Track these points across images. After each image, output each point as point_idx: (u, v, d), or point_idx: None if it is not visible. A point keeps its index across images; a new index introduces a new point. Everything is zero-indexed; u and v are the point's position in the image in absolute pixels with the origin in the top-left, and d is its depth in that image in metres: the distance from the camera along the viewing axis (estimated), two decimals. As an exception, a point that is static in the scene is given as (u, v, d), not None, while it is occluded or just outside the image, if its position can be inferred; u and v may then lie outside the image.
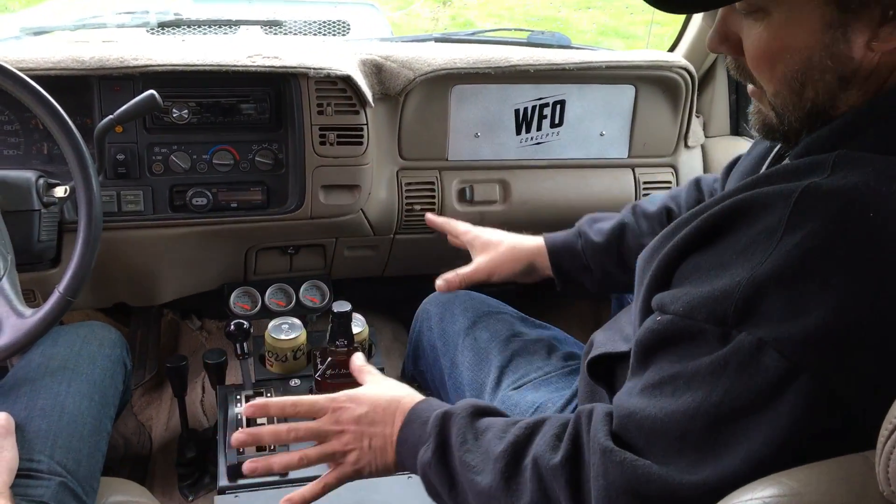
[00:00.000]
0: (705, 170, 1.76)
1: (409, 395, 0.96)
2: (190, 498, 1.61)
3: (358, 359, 1.07)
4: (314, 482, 0.96)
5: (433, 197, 1.63)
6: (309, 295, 1.70)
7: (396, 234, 1.66)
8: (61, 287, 1.14)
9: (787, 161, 0.79)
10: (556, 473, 0.77)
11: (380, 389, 0.98)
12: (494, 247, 1.30)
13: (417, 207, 1.63)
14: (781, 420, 0.64)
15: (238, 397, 1.34)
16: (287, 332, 1.48)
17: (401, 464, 0.93)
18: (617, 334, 1.08)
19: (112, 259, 1.47)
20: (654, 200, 1.27)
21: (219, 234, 1.51)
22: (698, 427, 0.68)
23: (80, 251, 1.15)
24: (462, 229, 1.37)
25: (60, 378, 1.20)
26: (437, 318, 1.39)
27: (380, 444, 0.93)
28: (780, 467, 0.61)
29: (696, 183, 1.25)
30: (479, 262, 1.30)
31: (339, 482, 0.96)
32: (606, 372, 1.05)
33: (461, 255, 1.55)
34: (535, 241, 1.29)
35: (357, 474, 0.95)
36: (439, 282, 1.30)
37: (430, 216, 1.42)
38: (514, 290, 2.03)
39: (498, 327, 1.34)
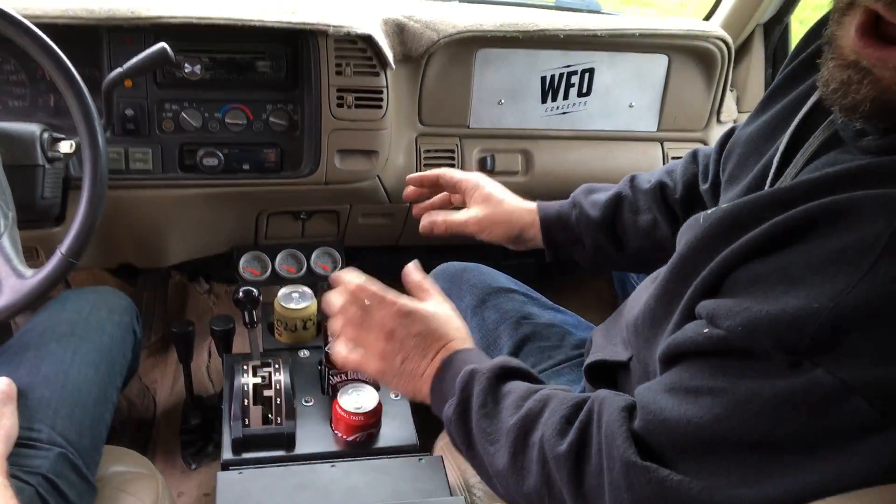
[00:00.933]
0: (737, 146, 1.69)
1: (457, 334, 0.92)
2: (193, 466, 1.57)
3: (414, 273, 1.01)
4: (348, 352, 0.95)
5: (452, 165, 1.56)
6: (321, 262, 1.65)
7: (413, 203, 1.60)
8: (63, 247, 1.09)
9: (869, 140, 0.68)
10: (560, 462, 0.74)
11: (437, 317, 0.93)
12: (494, 204, 1.21)
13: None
14: (856, 463, 0.59)
15: (245, 367, 1.29)
16: (297, 301, 1.43)
17: (433, 405, 0.90)
18: (617, 336, 1.01)
19: (118, 219, 1.42)
20: (654, 174, 1.20)
21: (229, 196, 1.46)
22: (754, 452, 0.63)
23: (84, 210, 1.10)
24: (458, 176, 1.25)
25: (67, 345, 1.16)
26: (446, 292, 1.32)
27: (414, 372, 0.90)
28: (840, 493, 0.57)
29: (694, 155, 1.15)
30: (472, 213, 1.21)
31: (362, 369, 0.94)
32: (607, 377, 0.99)
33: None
34: (531, 207, 1.21)
35: (380, 376, 0.93)
36: (424, 221, 1.23)
37: (412, 176, 1.29)
38: (531, 264, 1.98)
39: (508, 307, 1.28)
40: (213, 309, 1.91)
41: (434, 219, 1.22)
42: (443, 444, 1.28)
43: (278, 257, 1.62)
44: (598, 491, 0.72)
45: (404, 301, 0.93)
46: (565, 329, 1.24)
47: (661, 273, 0.80)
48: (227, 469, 1.21)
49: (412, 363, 0.90)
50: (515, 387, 0.83)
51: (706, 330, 0.67)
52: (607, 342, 1.02)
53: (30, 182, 1.23)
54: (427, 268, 1.46)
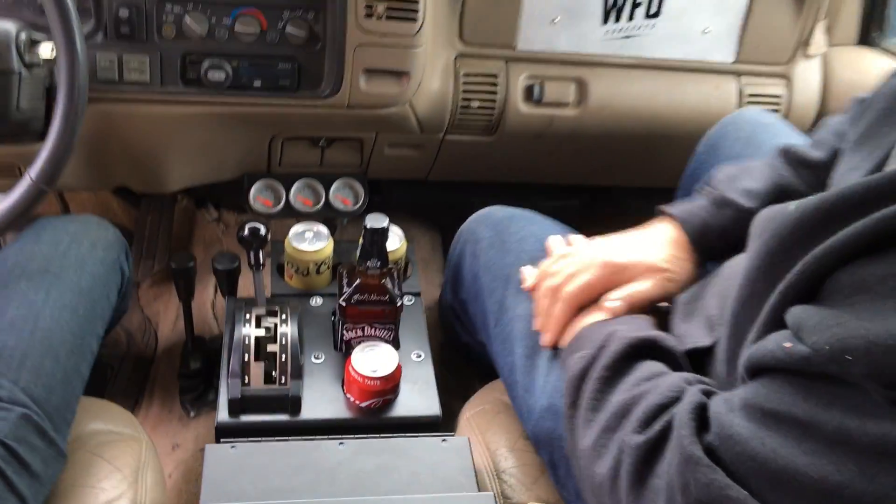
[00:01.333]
0: (825, 87, 1.46)
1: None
2: (192, 414, 1.43)
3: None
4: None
5: (494, 93, 1.36)
6: (340, 195, 1.46)
7: (447, 133, 1.41)
8: (33, 172, 0.92)
9: None
10: (628, 452, 0.68)
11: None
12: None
13: (475, 104, 1.36)
14: None
15: (247, 316, 1.13)
16: (311, 241, 1.26)
17: (565, 350, 0.90)
18: (700, 318, 0.86)
19: (111, 136, 1.24)
20: (818, 142, 0.96)
21: (238, 117, 1.27)
22: (832, 500, 0.53)
23: (58, 129, 0.92)
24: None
25: (39, 284, 0.99)
26: (487, 243, 1.14)
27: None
28: None
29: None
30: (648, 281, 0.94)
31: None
32: (694, 364, 0.84)
33: (516, 164, 1.30)
34: (666, 228, 0.98)
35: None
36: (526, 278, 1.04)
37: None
38: (574, 206, 1.79)
39: None
40: (222, 240, 1.74)
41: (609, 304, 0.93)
42: (469, 417, 1.12)
43: (294, 188, 1.44)
44: (657, 495, 0.65)
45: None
46: None
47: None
48: (221, 434, 1.06)
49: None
50: (647, 367, 0.77)
51: (788, 344, 0.56)
52: (686, 319, 0.85)
53: (3, 90, 1.04)
54: (460, 204, 1.28)
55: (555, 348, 0.97)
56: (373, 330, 1.16)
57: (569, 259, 0.97)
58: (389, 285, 1.13)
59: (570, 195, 1.77)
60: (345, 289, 1.14)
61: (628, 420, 0.72)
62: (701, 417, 0.64)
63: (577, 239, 1.03)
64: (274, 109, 1.27)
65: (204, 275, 1.60)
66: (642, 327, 0.85)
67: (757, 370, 0.61)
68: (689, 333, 0.84)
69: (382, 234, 1.09)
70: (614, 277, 0.93)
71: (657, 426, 0.68)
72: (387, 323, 1.16)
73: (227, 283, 1.30)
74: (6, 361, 0.90)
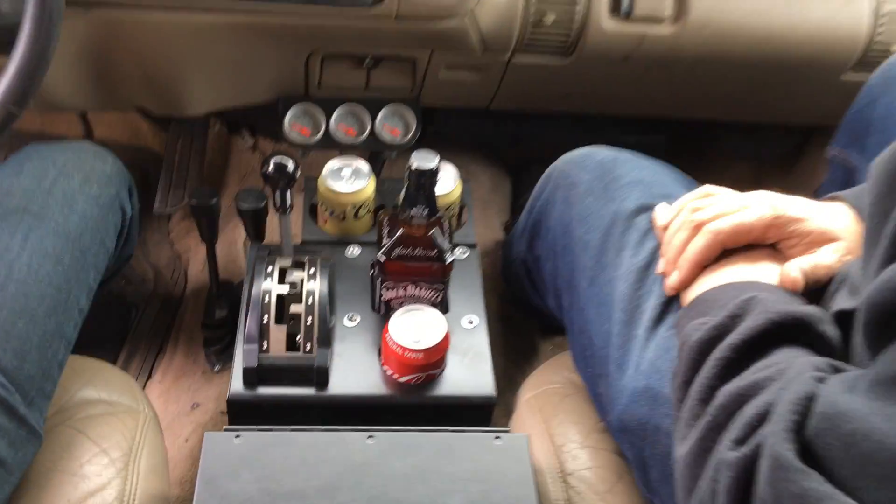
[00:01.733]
0: None
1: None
2: (216, 368, 1.28)
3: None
4: None
5: (574, 3, 1.12)
6: (388, 124, 1.26)
7: (515, 54, 1.18)
8: (-2, 91, 0.73)
9: None
10: (724, 470, 0.54)
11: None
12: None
13: (550, 18, 1.13)
14: None
15: (269, 269, 0.95)
16: (349, 180, 1.06)
17: (683, 312, 0.73)
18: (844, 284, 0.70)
19: (121, 50, 1.06)
20: None
21: (269, 28, 1.07)
22: None
23: (26, 38, 0.74)
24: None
25: (15, 226, 0.83)
26: (585, 188, 0.93)
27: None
28: None
29: None
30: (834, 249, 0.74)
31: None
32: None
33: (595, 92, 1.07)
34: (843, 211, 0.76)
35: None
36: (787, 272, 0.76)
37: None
38: (659, 141, 1.55)
39: None
40: (259, 171, 1.56)
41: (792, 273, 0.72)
42: (531, 399, 0.93)
43: (335, 114, 1.24)
44: None
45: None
46: None
47: None
48: (234, 409, 0.90)
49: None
50: (792, 353, 0.60)
51: None
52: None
53: (-24, -12, 0.86)
54: (529, 136, 1.05)
55: (659, 320, 0.77)
56: (417, 290, 0.97)
57: (722, 196, 0.78)
58: (438, 238, 0.93)
59: (656, 130, 1.53)
60: (384, 240, 0.95)
61: (732, 424, 0.56)
62: (804, 411, 0.51)
63: (721, 190, 0.82)
64: (310, 20, 1.06)
65: (235, 210, 1.43)
66: (790, 300, 0.67)
67: (878, 317, 0.50)
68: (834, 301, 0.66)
69: (431, 176, 0.88)
70: (780, 231, 0.73)
71: (758, 438, 0.53)
72: (434, 282, 0.97)
73: (253, 225, 1.12)
74: (-31, 322, 0.74)
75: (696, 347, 0.64)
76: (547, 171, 1.04)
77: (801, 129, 1.54)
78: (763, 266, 0.73)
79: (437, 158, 0.88)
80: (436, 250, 0.93)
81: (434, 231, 0.93)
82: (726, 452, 0.55)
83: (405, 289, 0.97)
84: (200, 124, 1.58)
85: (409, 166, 0.87)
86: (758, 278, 0.72)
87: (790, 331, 0.61)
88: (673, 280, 0.77)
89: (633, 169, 0.94)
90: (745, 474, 0.53)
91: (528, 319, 1.34)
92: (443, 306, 1.00)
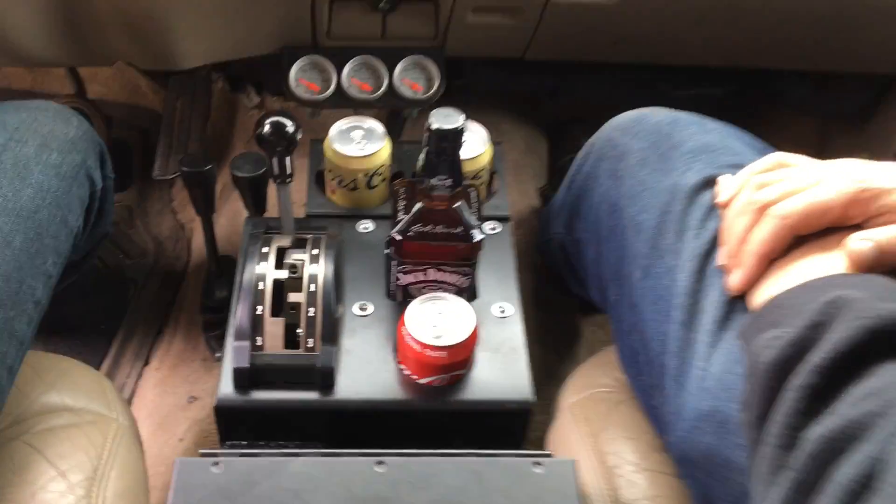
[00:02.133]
0: None
1: None
2: (217, 355, 1.15)
3: None
4: None
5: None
6: (409, 78, 1.10)
7: (551, -12, 1.01)
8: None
9: None
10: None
11: None
12: None
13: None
14: None
15: (264, 250, 0.80)
16: (360, 143, 0.91)
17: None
18: None
19: (92, -7, 0.91)
20: None
21: (264, -36, 0.91)
22: None
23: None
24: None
25: (-46, 199, 0.69)
26: (637, 159, 0.76)
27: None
28: None
29: None
30: None
31: None
32: None
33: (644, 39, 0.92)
34: None
35: None
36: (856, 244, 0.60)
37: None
38: (715, 96, 1.38)
39: None
40: (266, 131, 1.41)
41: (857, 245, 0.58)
42: (575, 405, 0.78)
43: (347, 67, 1.08)
44: None
45: None
46: None
47: None
48: (223, 416, 0.76)
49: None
50: (891, 372, 0.45)
51: None
52: None
53: None
54: (571, 101, 0.89)
55: (724, 322, 0.62)
56: (440, 274, 0.82)
57: (793, 169, 0.63)
58: (464, 212, 0.78)
59: (712, 82, 1.35)
60: (400, 215, 0.79)
61: (827, 487, 0.42)
62: None
63: (796, 158, 0.66)
64: (311, -47, 0.90)
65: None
66: (887, 294, 0.50)
67: None
68: None
69: (454, 138, 0.72)
70: (866, 207, 0.57)
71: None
72: (460, 265, 0.81)
73: (252, 196, 0.98)
74: None
75: (771, 371, 0.49)
76: (589, 141, 0.87)
77: (880, 80, 1.35)
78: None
79: (463, 117, 0.72)
80: (461, 227, 0.78)
81: (459, 204, 0.77)
82: None
83: (425, 273, 0.82)
84: (202, 81, 1.43)
85: (429, 126, 0.72)
86: (842, 272, 0.56)
87: (894, 339, 0.46)
88: (736, 279, 0.62)
89: (696, 133, 0.77)
90: None
91: (567, 298, 1.18)
92: (470, 292, 0.85)
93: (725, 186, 0.68)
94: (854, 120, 1.45)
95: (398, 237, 0.79)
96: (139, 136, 1.50)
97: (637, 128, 0.79)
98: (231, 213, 1.31)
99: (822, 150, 1.53)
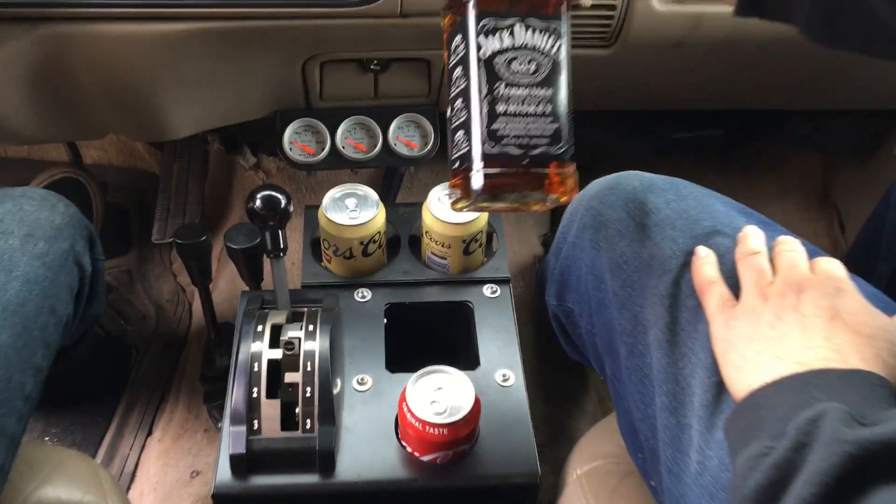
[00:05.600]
0: None
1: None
2: (219, 424, 1.12)
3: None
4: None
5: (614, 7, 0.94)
6: (403, 136, 1.09)
7: (546, 47, 1.00)
8: None
9: None
10: None
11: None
12: None
13: (587, 2, 0.94)
14: None
15: (259, 328, 0.79)
16: (355, 210, 0.89)
17: (729, 422, 0.56)
18: None
19: (77, 71, 0.90)
20: None
21: (248, 36, 0.90)
22: None
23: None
24: None
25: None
26: (617, 229, 0.74)
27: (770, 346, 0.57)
28: None
29: None
30: None
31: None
32: None
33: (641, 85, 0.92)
34: None
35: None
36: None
37: None
38: (712, 138, 1.36)
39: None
40: (263, 191, 1.40)
41: None
42: (581, 477, 0.76)
43: (341, 128, 1.07)
44: None
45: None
46: None
47: None
48: (220, 499, 0.74)
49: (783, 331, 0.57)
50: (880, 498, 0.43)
51: None
52: None
53: None
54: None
55: (716, 405, 0.60)
56: (528, 35, 0.62)
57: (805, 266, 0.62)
58: None
59: (712, 123, 1.33)
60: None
61: None
62: None
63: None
64: (297, 22, 0.90)
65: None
66: (871, 393, 0.50)
67: None
68: None
69: None
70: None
71: None
72: (550, 17, 0.63)
73: (248, 267, 0.97)
74: None
75: (757, 496, 0.47)
76: (571, 208, 0.84)
77: (880, 117, 1.33)
78: (817, 334, 0.56)
79: None
80: None
81: None
82: None
83: (512, 32, 0.62)
84: (198, 143, 1.43)
85: None
86: (822, 360, 0.54)
87: (883, 459, 0.44)
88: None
89: (672, 200, 0.74)
90: None
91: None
92: (472, 362, 0.83)
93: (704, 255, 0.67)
94: (857, 155, 1.43)
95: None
96: (136, 198, 1.50)
97: (612, 197, 0.77)
98: (231, 276, 1.29)
99: (827, 185, 1.51)
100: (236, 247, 0.94)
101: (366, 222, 0.89)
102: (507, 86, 0.62)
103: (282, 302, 0.83)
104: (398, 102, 1.09)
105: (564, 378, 1.16)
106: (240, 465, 0.74)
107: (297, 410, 0.76)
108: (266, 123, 1.13)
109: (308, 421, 0.75)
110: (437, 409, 0.73)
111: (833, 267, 0.62)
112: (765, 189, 1.50)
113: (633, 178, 0.78)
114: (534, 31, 0.62)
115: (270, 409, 0.75)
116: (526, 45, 0.62)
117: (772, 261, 0.64)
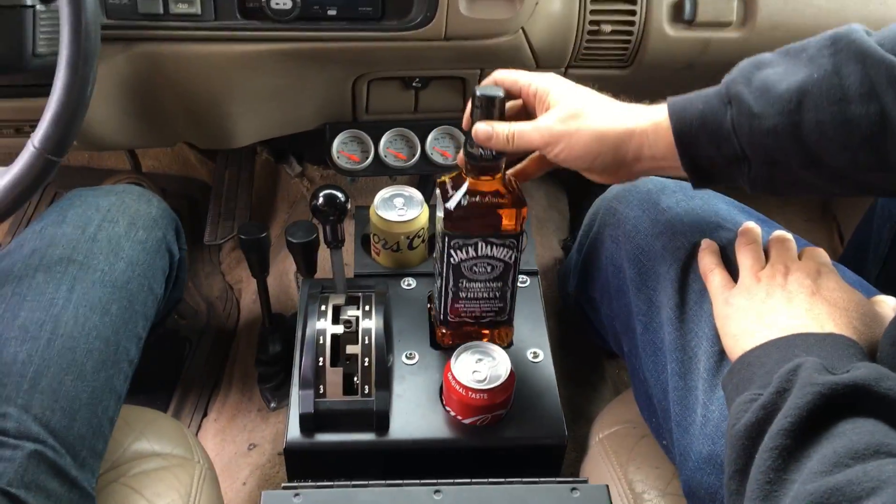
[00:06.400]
0: None
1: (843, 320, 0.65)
2: (272, 405, 1.24)
3: None
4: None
5: (633, 13, 1.06)
6: (439, 146, 1.21)
7: (570, 67, 1.12)
8: (36, 138, 0.71)
9: None
10: None
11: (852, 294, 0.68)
12: (577, 106, 0.75)
13: (607, 28, 1.07)
14: None
15: (323, 307, 0.91)
16: (401, 209, 1.02)
17: (727, 380, 0.66)
18: None
19: (161, 84, 1.03)
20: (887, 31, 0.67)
21: (311, 55, 1.03)
22: None
23: (63, 83, 0.71)
24: (524, 80, 0.80)
25: (60, 277, 0.80)
26: (633, 225, 0.87)
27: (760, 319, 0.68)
28: None
29: None
30: (543, 120, 0.76)
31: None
32: None
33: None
34: (640, 115, 0.74)
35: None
36: (478, 130, 0.78)
37: (497, 74, 0.83)
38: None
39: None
40: (308, 196, 1.53)
41: (493, 129, 0.76)
42: (603, 440, 0.87)
43: (384, 139, 1.20)
44: None
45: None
46: None
47: None
48: (292, 457, 0.86)
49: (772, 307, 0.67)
50: (857, 430, 0.53)
51: None
52: None
53: (15, 30, 0.84)
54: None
55: (718, 369, 0.71)
56: (488, 248, 0.86)
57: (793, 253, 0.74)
58: (513, 183, 0.85)
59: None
60: (450, 192, 0.85)
61: None
62: None
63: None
64: (354, 45, 1.02)
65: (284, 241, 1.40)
66: (842, 351, 0.60)
67: None
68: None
69: (500, 105, 0.79)
70: None
71: None
72: (506, 237, 0.85)
73: (304, 259, 1.08)
74: (15, 381, 0.71)
75: (745, 433, 0.58)
76: (593, 208, 0.98)
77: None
78: (800, 307, 0.67)
79: (503, 91, 0.80)
80: (508, 194, 0.83)
81: (506, 175, 0.84)
82: None
83: (476, 247, 0.85)
84: (247, 153, 1.56)
85: (475, 93, 0.78)
86: (803, 326, 0.65)
87: (849, 398, 0.54)
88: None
89: (682, 199, 0.88)
90: None
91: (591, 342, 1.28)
92: (508, 342, 0.94)
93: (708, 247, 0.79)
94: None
95: (451, 208, 0.82)
96: (188, 205, 1.62)
97: (630, 197, 0.90)
98: (278, 274, 1.41)
99: (827, 198, 1.62)
100: (296, 241, 1.06)
101: (412, 219, 1.01)
102: (468, 281, 0.88)
103: (340, 287, 0.95)
104: (435, 116, 1.21)
105: (583, 366, 1.27)
106: (308, 423, 0.86)
107: (356, 378, 0.88)
108: (312, 135, 1.26)
109: (366, 387, 0.87)
110: (478, 377, 0.85)
111: (817, 254, 0.73)
112: (769, 202, 1.61)
113: (648, 182, 0.90)
114: (493, 245, 0.85)
115: (334, 377, 0.87)
116: (486, 256, 0.86)
117: (766, 251, 0.76)
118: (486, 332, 0.93)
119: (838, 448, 0.51)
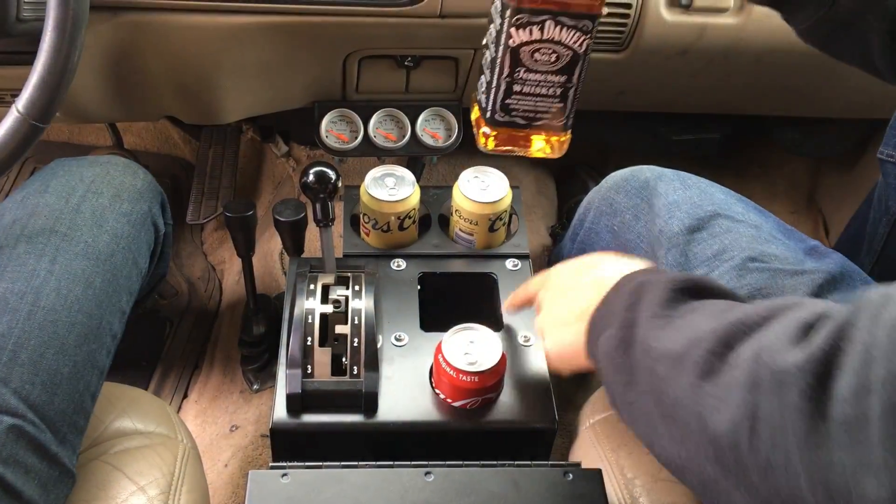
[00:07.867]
0: None
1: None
2: (254, 387, 1.22)
3: None
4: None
5: (629, -5, 1.05)
6: (430, 128, 1.20)
7: (565, 49, 1.11)
8: (20, 103, 0.68)
9: None
10: (788, 379, 0.46)
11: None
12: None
13: (604, 10, 1.05)
14: None
15: (312, 286, 0.89)
16: (392, 188, 1.00)
17: (588, 349, 0.65)
18: None
19: (148, 55, 1.00)
20: None
21: (304, 29, 1.01)
22: None
23: (48, 47, 0.68)
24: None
25: (42, 248, 0.77)
26: (632, 214, 0.87)
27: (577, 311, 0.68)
28: None
29: None
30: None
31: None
32: None
33: (648, 88, 1.02)
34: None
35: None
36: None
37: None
38: (711, 140, 1.47)
39: (733, 242, 0.80)
40: (293, 178, 1.50)
41: None
42: (594, 425, 0.86)
43: (373, 118, 1.18)
44: (852, 426, 0.42)
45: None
46: (832, 286, 0.76)
47: None
48: (277, 438, 0.84)
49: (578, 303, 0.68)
50: (710, 303, 0.57)
51: None
52: None
53: (-2, -4, 0.81)
54: (575, 146, 0.99)
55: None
56: (557, 30, 0.70)
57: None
58: None
59: (710, 127, 1.45)
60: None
61: (745, 347, 0.50)
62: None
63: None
64: (347, 19, 1.00)
65: (270, 220, 1.37)
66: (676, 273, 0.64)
67: None
68: None
69: None
70: None
71: (819, 339, 0.46)
72: (582, 16, 0.70)
73: (292, 238, 1.06)
74: (-6, 354, 0.69)
75: (617, 346, 0.59)
76: (588, 197, 0.97)
77: (866, 125, 1.45)
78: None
79: None
80: None
81: None
82: (782, 357, 0.47)
83: (542, 27, 0.70)
84: (233, 131, 1.53)
85: None
86: (611, 279, 0.65)
87: (692, 288, 0.59)
88: None
89: (679, 188, 0.87)
90: (820, 372, 0.45)
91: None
92: (497, 325, 0.93)
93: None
94: (843, 162, 1.55)
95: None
96: (171, 184, 1.59)
97: (628, 186, 0.90)
98: (263, 254, 1.39)
99: (813, 190, 1.63)
100: (283, 219, 1.04)
101: (403, 199, 0.99)
102: (526, 71, 0.72)
103: (329, 266, 0.93)
104: (426, 97, 1.19)
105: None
106: (295, 403, 0.84)
107: (345, 358, 0.86)
108: (299, 114, 1.24)
109: (355, 367, 0.85)
110: (469, 359, 0.84)
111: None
112: (755, 193, 1.61)
113: (646, 170, 0.90)
114: (562, 27, 0.69)
115: (322, 356, 0.85)
116: (552, 39, 0.70)
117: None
118: (540, 136, 0.76)
119: (708, 311, 0.55)
